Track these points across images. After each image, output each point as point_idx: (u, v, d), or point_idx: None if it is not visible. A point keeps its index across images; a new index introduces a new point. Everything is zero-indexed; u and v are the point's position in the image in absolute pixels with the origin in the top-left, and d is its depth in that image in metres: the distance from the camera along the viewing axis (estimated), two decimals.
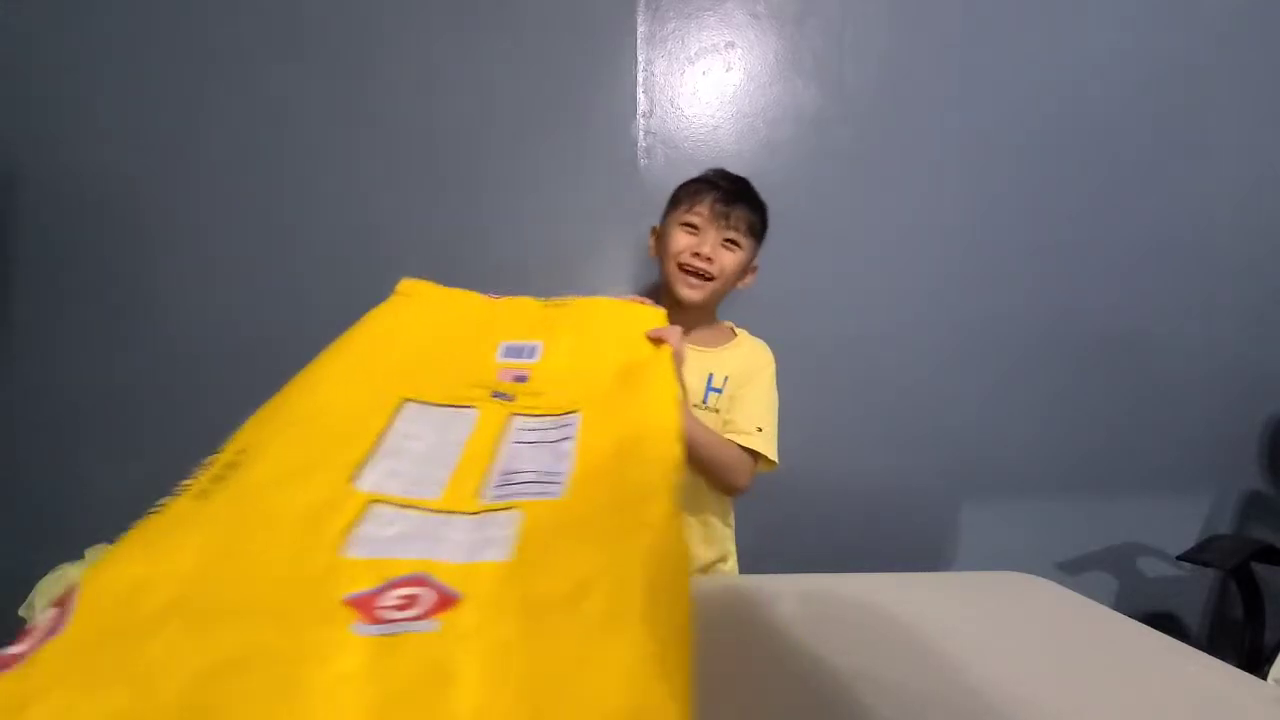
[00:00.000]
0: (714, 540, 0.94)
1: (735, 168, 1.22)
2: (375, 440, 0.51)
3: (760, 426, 0.91)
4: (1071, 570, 1.33)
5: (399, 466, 0.49)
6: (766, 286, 1.24)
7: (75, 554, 0.81)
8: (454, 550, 0.41)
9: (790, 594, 0.73)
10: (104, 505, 1.18)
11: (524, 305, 0.80)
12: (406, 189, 1.19)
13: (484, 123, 1.19)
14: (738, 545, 1.04)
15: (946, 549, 1.31)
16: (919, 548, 1.30)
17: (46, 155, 1.15)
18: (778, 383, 0.97)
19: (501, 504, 0.46)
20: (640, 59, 1.20)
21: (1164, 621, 1.36)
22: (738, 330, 1.01)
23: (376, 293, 1.25)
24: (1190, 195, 1.31)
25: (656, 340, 0.71)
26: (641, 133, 1.20)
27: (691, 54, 1.21)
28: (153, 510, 0.42)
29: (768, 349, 0.99)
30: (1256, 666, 1.06)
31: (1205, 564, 1.18)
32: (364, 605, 0.35)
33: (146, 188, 1.16)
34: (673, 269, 0.90)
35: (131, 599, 0.35)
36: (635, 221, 1.21)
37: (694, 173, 1.22)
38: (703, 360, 0.93)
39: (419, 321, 0.76)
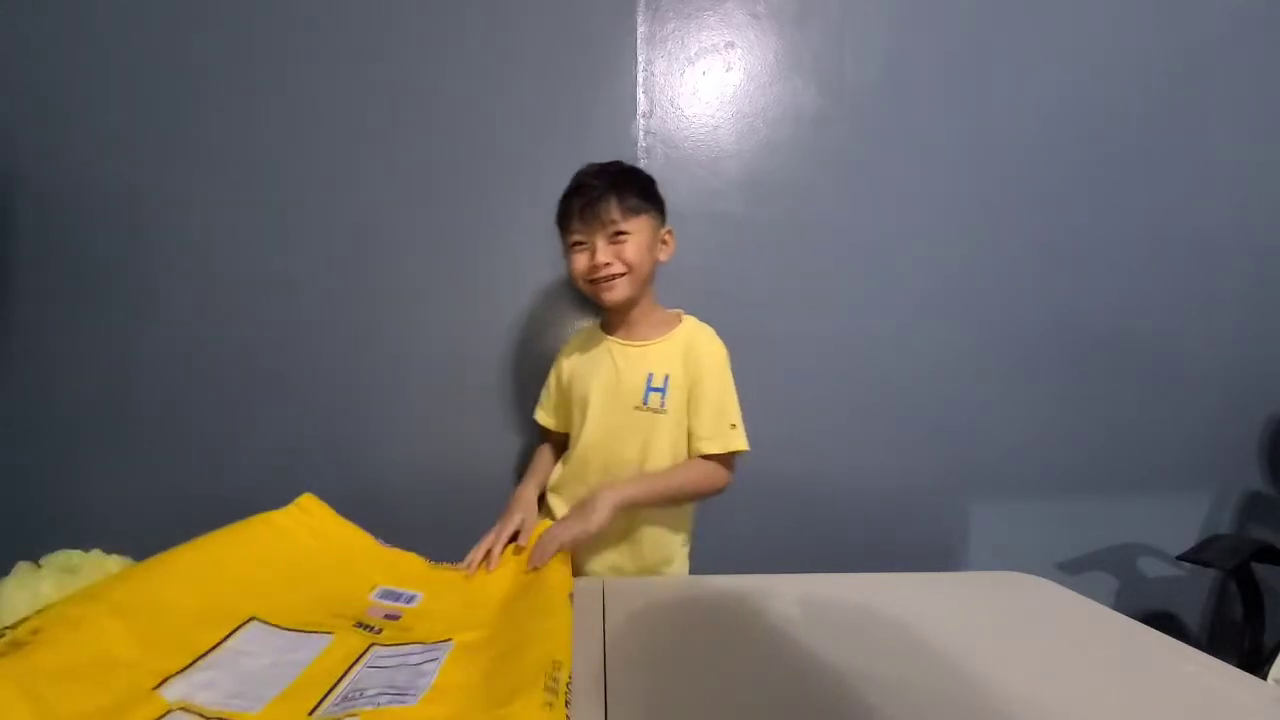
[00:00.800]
0: (661, 546, 0.94)
1: (735, 168, 1.22)
2: (202, 652, 0.49)
3: (733, 422, 0.92)
4: (1071, 570, 1.33)
5: (219, 679, 0.46)
6: (767, 286, 1.24)
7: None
8: None
9: (790, 594, 0.73)
10: (103, 506, 1.19)
11: (412, 561, 0.78)
12: (406, 189, 1.19)
13: (484, 123, 1.19)
14: (736, 545, 1.05)
15: (947, 549, 1.31)
16: (919, 548, 1.30)
17: (46, 158, 1.15)
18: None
19: (335, 717, 0.43)
20: (640, 59, 1.20)
21: (1164, 621, 1.36)
22: (685, 317, 0.97)
23: (376, 294, 1.26)
24: (1190, 195, 1.31)
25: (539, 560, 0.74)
26: (641, 133, 1.20)
27: (691, 54, 1.21)
28: None
29: (714, 337, 0.96)
30: (1256, 666, 1.06)
31: (1205, 564, 1.18)
32: None
33: (146, 191, 1.16)
34: (584, 288, 0.91)
35: None
36: None
37: (695, 172, 1.23)
38: (641, 358, 0.93)
39: (302, 542, 0.73)
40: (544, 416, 1.04)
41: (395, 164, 1.18)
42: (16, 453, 1.17)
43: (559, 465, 0.99)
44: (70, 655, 0.43)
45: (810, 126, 1.23)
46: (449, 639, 0.56)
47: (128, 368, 1.17)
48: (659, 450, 0.91)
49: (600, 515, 0.81)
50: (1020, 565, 0.87)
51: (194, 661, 0.47)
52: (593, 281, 0.89)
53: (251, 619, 0.55)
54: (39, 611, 0.48)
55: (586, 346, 0.98)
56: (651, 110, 1.21)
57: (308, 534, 0.75)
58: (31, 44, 1.14)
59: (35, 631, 0.44)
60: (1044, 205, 1.28)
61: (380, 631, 0.58)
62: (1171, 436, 1.33)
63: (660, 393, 0.90)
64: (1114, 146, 1.28)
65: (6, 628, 0.45)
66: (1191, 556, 1.18)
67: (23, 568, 0.63)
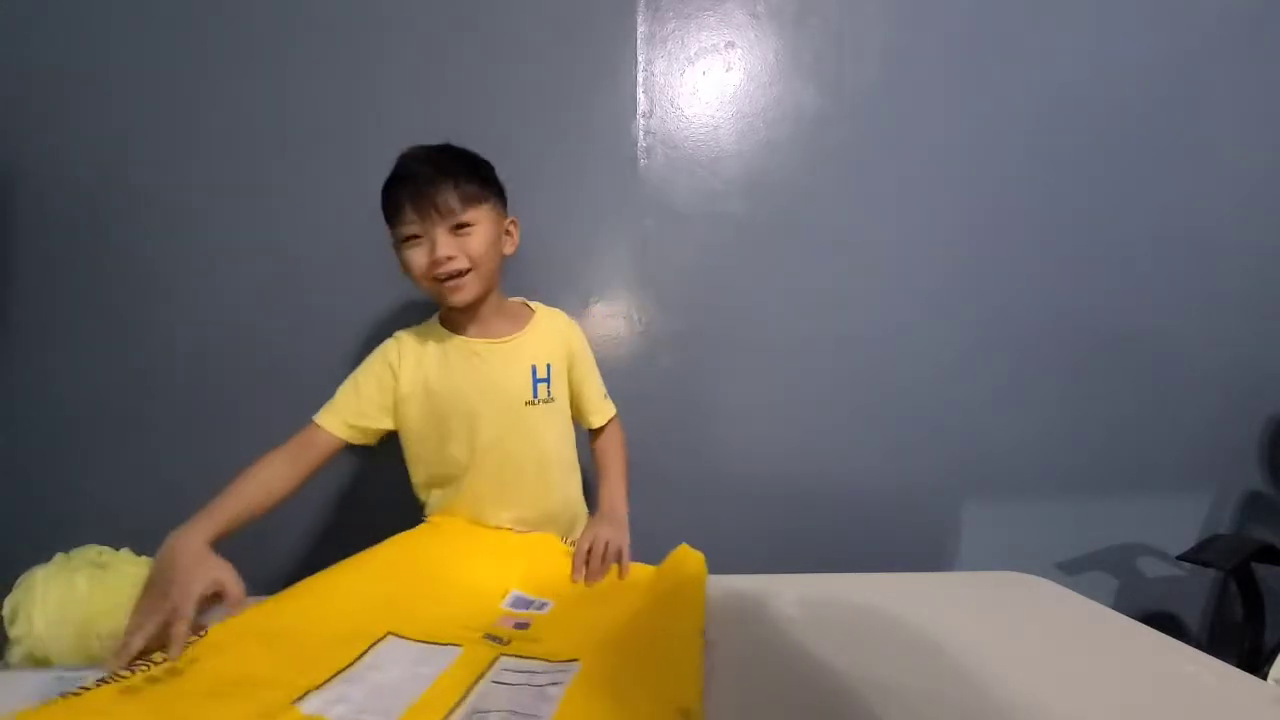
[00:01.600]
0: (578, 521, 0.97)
1: (735, 168, 1.22)
2: (340, 669, 0.50)
3: (604, 393, 1.00)
4: (1071, 570, 1.33)
5: (351, 693, 0.47)
6: (767, 286, 1.25)
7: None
8: None
9: (790, 594, 0.73)
10: (104, 507, 1.18)
11: (551, 543, 0.81)
12: None
13: (484, 123, 1.18)
14: (736, 545, 1.05)
15: (946, 549, 1.31)
16: (919, 548, 1.30)
17: (47, 156, 1.15)
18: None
19: None
20: (640, 59, 1.20)
21: (1164, 621, 1.36)
22: (532, 304, 0.96)
23: (377, 295, 1.26)
24: (1190, 194, 1.31)
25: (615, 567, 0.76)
26: (641, 133, 1.20)
27: (691, 54, 1.21)
28: (70, 692, 0.42)
29: (565, 315, 0.98)
30: (1256, 666, 1.06)
31: (1205, 564, 1.18)
32: None
33: (147, 189, 1.16)
34: (428, 288, 0.82)
35: None
36: (635, 221, 1.21)
37: (695, 172, 1.23)
38: (516, 351, 0.88)
39: (433, 554, 0.76)
40: (336, 423, 0.82)
41: (394, 165, 1.18)
42: (18, 452, 1.17)
43: (430, 489, 0.90)
44: (216, 678, 0.46)
45: (810, 126, 1.23)
46: (575, 659, 0.55)
47: (129, 367, 1.17)
48: (549, 440, 0.90)
49: (622, 517, 0.88)
50: (1020, 565, 0.87)
51: (331, 678, 0.48)
52: (436, 279, 0.80)
53: (388, 634, 0.57)
54: (192, 643, 0.51)
55: (437, 350, 0.87)
56: (651, 110, 1.21)
57: (441, 545, 0.78)
58: (32, 42, 1.14)
59: (192, 661, 0.49)
60: (1044, 205, 1.28)
61: (508, 642, 0.58)
62: (1171, 436, 1.33)
63: (546, 383, 0.89)
64: (1114, 146, 1.28)
65: (167, 659, 0.49)
66: (1191, 556, 1.18)
67: (58, 559, 0.64)
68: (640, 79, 1.20)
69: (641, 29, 1.20)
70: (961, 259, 1.27)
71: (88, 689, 0.42)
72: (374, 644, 0.55)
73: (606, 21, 1.19)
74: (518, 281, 1.20)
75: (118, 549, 0.67)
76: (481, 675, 0.51)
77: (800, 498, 1.25)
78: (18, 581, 0.61)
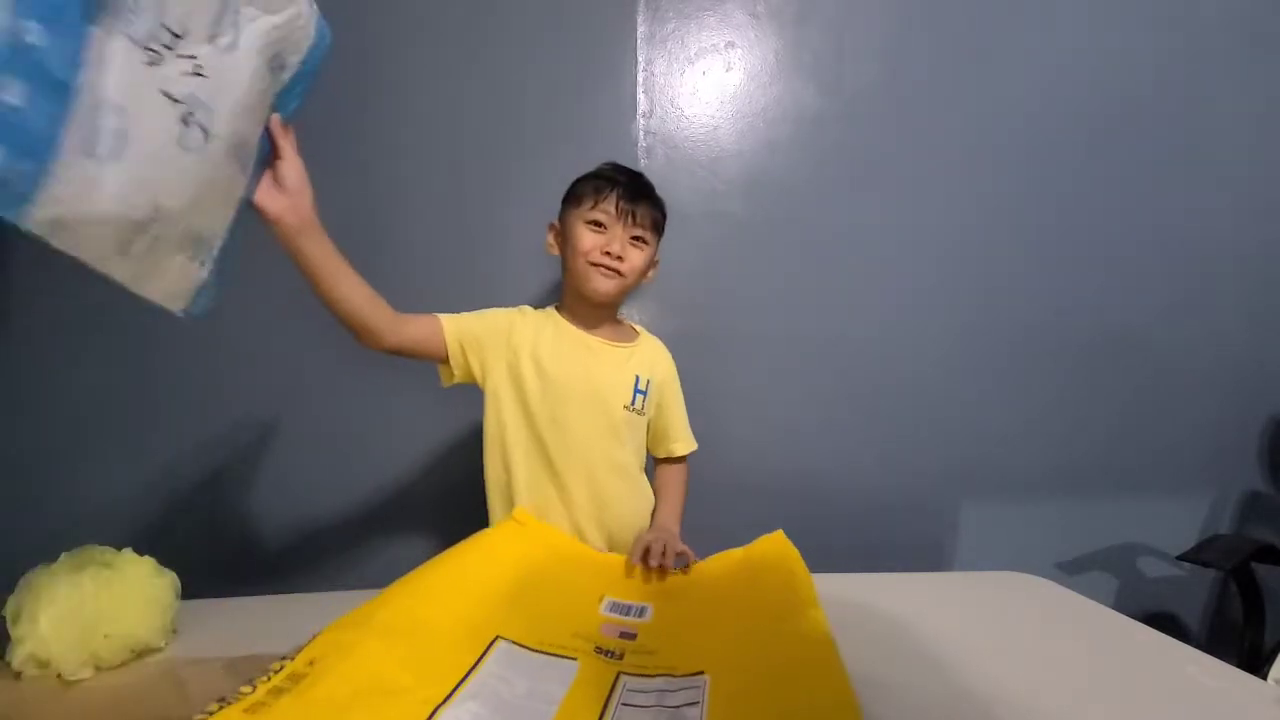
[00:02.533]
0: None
1: (735, 168, 1.22)
2: (462, 676, 0.48)
3: (688, 424, 1.02)
4: (1071, 570, 1.33)
5: (481, 712, 0.44)
6: (766, 286, 1.24)
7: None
8: None
9: None
10: (104, 507, 1.18)
11: (623, 563, 0.78)
12: (406, 189, 1.19)
13: (484, 123, 1.19)
14: (735, 545, 1.05)
15: (946, 549, 1.31)
16: (919, 548, 1.30)
17: None
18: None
19: None
20: (640, 59, 1.20)
21: (1164, 621, 1.36)
22: (638, 328, 1.01)
23: (380, 292, 1.25)
24: (1190, 194, 1.31)
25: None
26: (641, 133, 1.20)
27: (691, 54, 1.21)
28: (200, 717, 0.40)
29: (664, 346, 1.01)
30: (1256, 666, 1.06)
31: (1205, 564, 1.18)
32: None
33: None
34: (582, 266, 0.87)
35: None
36: None
37: (695, 172, 1.23)
38: (627, 360, 0.93)
39: (526, 556, 0.73)
40: (451, 328, 0.85)
41: (396, 164, 1.18)
42: (18, 452, 1.17)
43: (510, 462, 0.89)
44: (346, 686, 0.43)
45: (810, 126, 1.23)
46: (701, 671, 0.52)
47: (130, 367, 1.17)
48: (630, 450, 0.93)
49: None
50: (1020, 565, 0.87)
51: (457, 688, 0.46)
52: (595, 264, 0.87)
53: (497, 638, 0.55)
54: (311, 641, 0.49)
55: (555, 332, 0.92)
56: (651, 110, 1.21)
57: (530, 545, 0.76)
58: None
59: (311, 663, 0.46)
60: (1045, 204, 1.28)
61: (621, 657, 0.56)
62: (1171, 436, 1.33)
63: (644, 395, 0.93)
64: (1113, 145, 1.28)
65: (282, 660, 0.47)
66: (1191, 556, 1.18)
67: (64, 559, 0.63)
68: (640, 79, 1.20)
69: (641, 29, 1.20)
70: (961, 259, 1.27)
71: (211, 713, 0.40)
72: (488, 648, 0.53)
73: (606, 21, 1.19)
74: (520, 281, 1.20)
75: (119, 549, 0.67)
76: (609, 699, 0.49)
77: (800, 497, 1.25)
78: (20, 582, 0.60)
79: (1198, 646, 0.61)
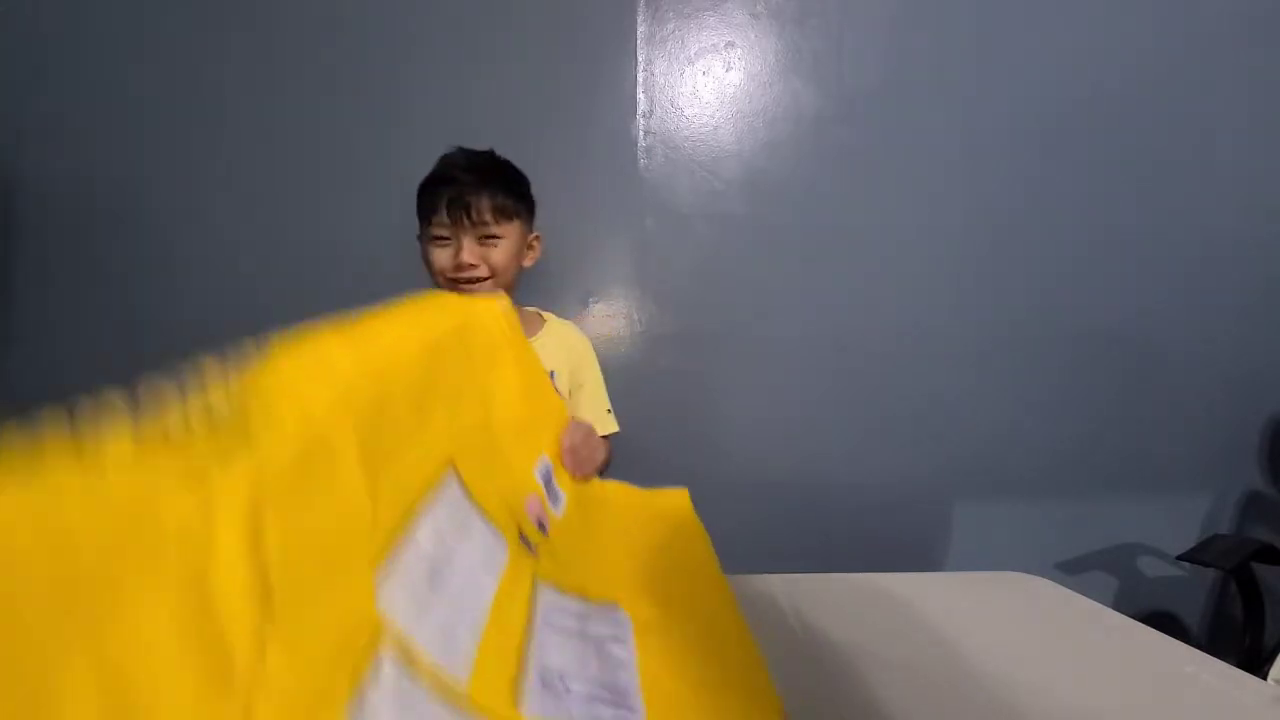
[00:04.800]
0: None
1: (735, 168, 1.22)
2: (414, 513, 0.35)
3: (608, 407, 0.94)
4: (1071, 570, 1.32)
5: (432, 600, 0.33)
6: (766, 286, 1.24)
7: None
8: None
9: (789, 594, 0.73)
10: None
11: (561, 409, 0.70)
12: (406, 189, 1.19)
13: (484, 123, 1.18)
14: (735, 544, 1.04)
15: (946, 549, 1.31)
16: (919, 548, 1.30)
17: (48, 159, 1.15)
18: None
19: None
20: (640, 59, 1.20)
21: (1164, 621, 1.36)
22: (545, 314, 0.96)
23: (381, 293, 1.25)
24: (1192, 194, 1.31)
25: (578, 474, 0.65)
26: (641, 133, 1.20)
27: (691, 54, 1.21)
28: None
29: (577, 328, 0.98)
30: (1256, 666, 1.06)
31: (1205, 564, 1.18)
32: None
33: (149, 190, 1.16)
34: (445, 286, 0.84)
35: None
36: (635, 221, 1.21)
37: (695, 172, 1.23)
38: None
39: (499, 357, 0.59)
40: None
41: (395, 164, 1.18)
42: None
43: None
44: (301, 468, 0.27)
45: (810, 126, 1.23)
46: (614, 601, 0.47)
47: (130, 367, 1.17)
48: None
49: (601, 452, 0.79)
50: (1020, 565, 0.86)
51: (407, 534, 0.33)
52: (454, 281, 0.84)
53: (450, 467, 0.41)
54: (247, 381, 0.29)
55: None
56: (651, 110, 1.21)
57: (503, 345, 0.60)
58: (33, 47, 1.14)
59: (262, 416, 0.27)
60: (1043, 205, 1.28)
61: (536, 553, 0.47)
62: (1171, 436, 1.33)
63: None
64: (1113, 145, 1.28)
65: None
66: (1191, 556, 1.18)
67: None
68: (640, 79, 1.20)
69: (641, 29, 1.20)
70: (962, 258, 1.27)
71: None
72: (443, 478, 0.40)
73: (606, 21, 1.19)
74: (520, 281, 1.20)
75: None
76: (533, 612, 0.41)
77: (798, 497, 1.25)
78: None
79: (1198, 646, 0.61)
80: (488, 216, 0.83)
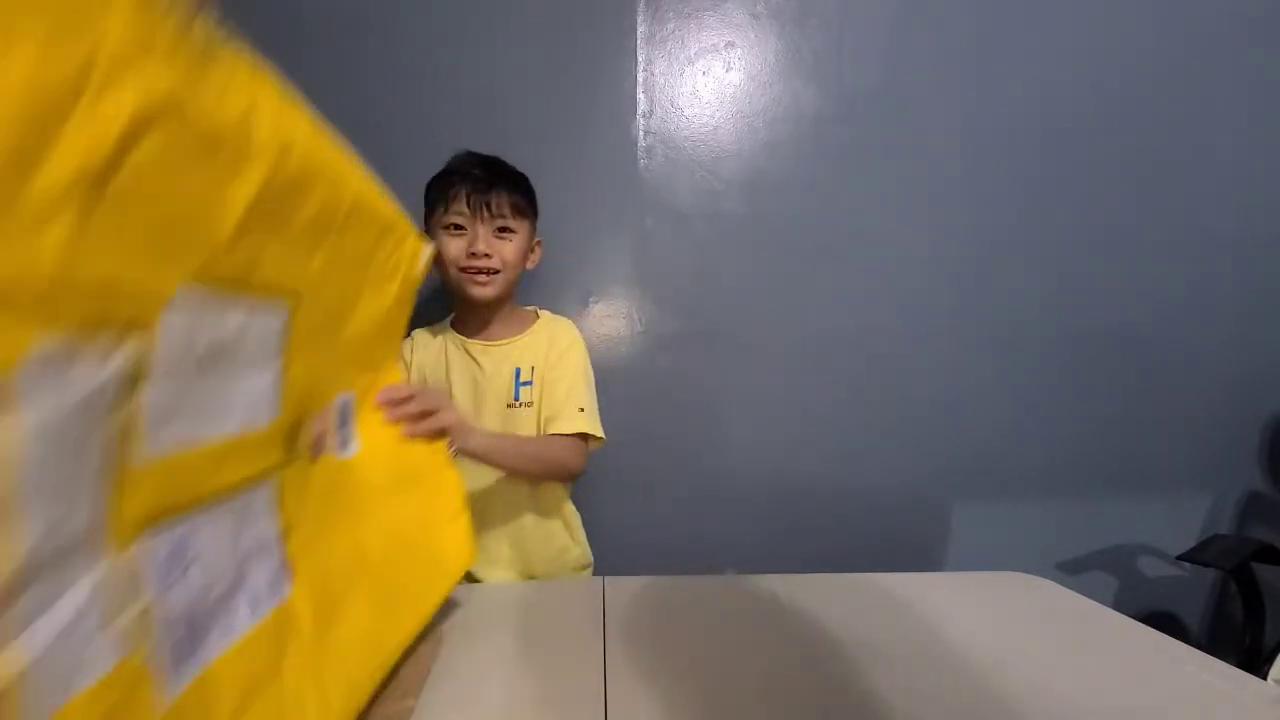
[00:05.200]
0: (547, 537, 0.91)
1: (735, 167, 1.22)
2: (240, 290, 0.36)
3: (581, 406, 0.87)
4: (1071, 570, 1.33)
5: (192, 372, 0.33)
6: (766, 286, 1.24)
7: None
8: None
9: (789, 594, 0.73)
10: None
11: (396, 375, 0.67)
12: (405, 188, 1.18)
13: (484, 123, 1.19)
14: (735, 544, 1.03)
15: (946, 549, 1.31)
16: (919, 548, 1.30)
17: None
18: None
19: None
20: (640, 59, 1.20)
21: (1164, 621, 1.36)
22: (541, 313, 0.97)
23: None
24: (1190, 194, 1.31)
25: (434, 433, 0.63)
26: (641, 133, 1.20)
27: (691, 54, 1.21)
28: None
29: (572, 326, 0.96)
30: (1256, 666, 1.06)
31: (1205, 564, 1.18)
32: None
33: None
34: (455, 275, 0.86)
35: None
36: (635, 221, 1.21)
37: (695, 172, 1.23)
38: (506, 354, 0.90)
39: (388, 284, 0.60)
40: None
41: (395, 163, 1.18)
42: None
43: None
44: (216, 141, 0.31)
45: (810, 126, 1.23)
46: (292, 570, 0.41)
47: None
48: None
49: (476, 439, 0.72)
50: (1020, 565, 0.87)
51: (218, 292, 0.33)
52: (465, 270, 0.85)
53: (292, 299, 0.41)
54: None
55: (441, 348, 0.92)
56: (651, 110, 1.21)
57: (401, 281, 0.60)
58: None
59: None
60: (1043, 205, 1.28)
61: (294, 458, 0.44)
62: (1171, 436, 1.33)
63: (529, 386, 0.89)
64: (1113, 145, 1.28)
65: None
66: (1191, 556, 1.18)
67: None
68: (640, 79, 1.20)
69: (641, 29, 1.20)
70: (962, 258, 1.27)
71: None
72: (275, 299, 0.39)
73: (606, 21, 1.19)
74: (519, 283, 1.20)
75: None
76: (244, 482, 0.37)
77: (799, 497, 1.25)
78: None
79: (1198, 646, 0.61)
80: (506, 210, 0.85)
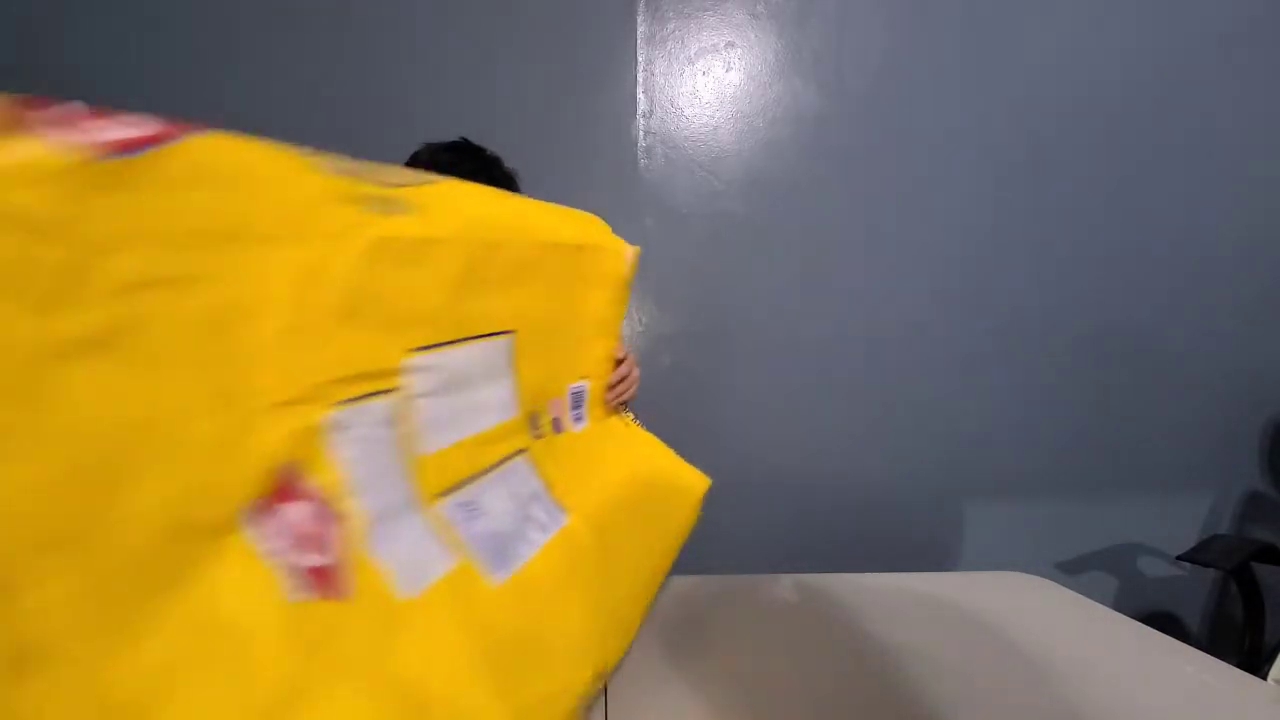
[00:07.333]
0: None
1: (735, 167, 1.22)
2: (466, 335, 0.46)
3: None
4: (1071, 570, 1.33)
5: (445, 395, 0.45)
6: (766, 286, 1.24)
7: None
8: None
9: (790, 594, 0.73)
10: None
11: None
12: None
13: (484, 123, 1.18)
14: (736, 544, 1.03)
15: (947, 549, 1.31)
16: (919, 548, 1.30)
17: None
18: None
19: (441, 517, 0.44)
20: (640, 59, 1.20)
21: (1164, 621, 1.36)
22: None
23: None
24: (1190, 195, 1.31)
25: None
26: (641, 133, 1.20)
27: (691, 54, 1.21)
28: None
29: None
30: (1256, 666, 1.05)
31: (1205, 564, 1.18)
32: None
33: None
34: None
35: None
36: (635, 221, 1.21)
37: (695, 172, 1.23)
38: None
39: (607, 282, 0.71)
40: None
41: (395, 164, 1.18)
42: None
43: None
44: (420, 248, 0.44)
45: (810, 126, 1.23)
46: (565, 507, 0.52)
47: None
48: None
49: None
50: (1020, 565, 0.87)
51: (445, 345, 0.44)
52: None
53: (512, 333, 0.50)
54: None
55: None
56: (651, 110, 1.21)
57: (618, 284, 0.71)
58: (37, 45, 1.14)
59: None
60: (1043, 205, 1.28)
61: (540, 434, 0.55)
62: (1172, 436, 1.33)
63: None
64: (1113, 145, 1.28)
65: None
66: (1191, 556, 1.18)
67: None
68: (640, 79, 1.20)
69: (641, 29, 1.20)
70: (962, 259, 1.27)
71: None
72: (498, 334, 0.49)
73: (606, 21, 1.19)
74: None
75: None
76: (501, 459, 0.48)
77: (800, 498, 1.25)
78: None
79: (1198, 646, 0.61)
80: None
